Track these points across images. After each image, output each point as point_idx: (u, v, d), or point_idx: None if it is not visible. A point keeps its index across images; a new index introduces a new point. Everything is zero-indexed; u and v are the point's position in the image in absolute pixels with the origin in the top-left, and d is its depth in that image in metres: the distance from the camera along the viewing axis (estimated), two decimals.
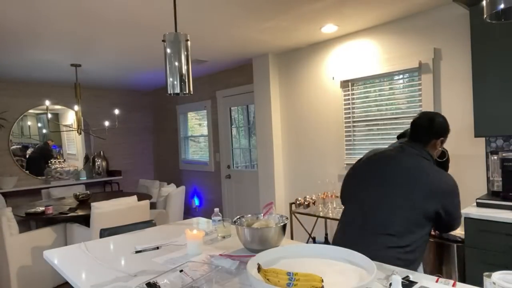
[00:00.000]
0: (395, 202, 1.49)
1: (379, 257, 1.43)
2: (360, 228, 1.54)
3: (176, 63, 1.73)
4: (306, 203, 3.35)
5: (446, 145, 2.82)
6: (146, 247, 1.79)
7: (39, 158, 5.54)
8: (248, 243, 1.63)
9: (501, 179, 2.44)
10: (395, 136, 3.22)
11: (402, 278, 1.23)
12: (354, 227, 1.57)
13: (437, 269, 2.50)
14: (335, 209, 3.50)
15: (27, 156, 5.42)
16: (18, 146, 5.35)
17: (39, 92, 5.55)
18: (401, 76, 3.23)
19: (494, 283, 0.98)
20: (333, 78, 3.71)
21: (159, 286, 1.25)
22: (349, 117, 3.62)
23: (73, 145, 5.94)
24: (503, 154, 2.41)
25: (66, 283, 3.45)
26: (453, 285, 1.19)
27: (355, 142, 3.61)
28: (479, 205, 2.37)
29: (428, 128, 1.64)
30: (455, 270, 2.42)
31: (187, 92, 1.76)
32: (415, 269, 1.48)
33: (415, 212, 1.46)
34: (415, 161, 1.56)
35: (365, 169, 1.67)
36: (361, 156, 1.78)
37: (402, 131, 2.89)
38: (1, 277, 3.21)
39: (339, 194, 3.72)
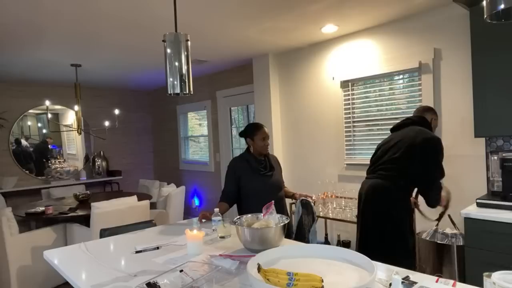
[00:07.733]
0: None
1: None
2: None
3: (176, 63, 1.73)
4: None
5: (445, 144, 2.82)
6: (146, 247, 1.79)
7: (38, 156, 5.55)
8: (248, 243, 1.63)
9: (501, 179, 2.44)
10: None
11: (402, 278, 1.23)
12: None
13: (437, 269, 2.50)
14: (335, 209, 3.50)
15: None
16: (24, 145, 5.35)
17: (39, 92, 5.55)
18: (401, 76, 3.23)
19: (494, 283, 0.98)
20: (333, 78, 3.71)
21: (159, 286, 1.25)
22: (349, 117, 3.62)
23: (73, 145, 5.93)
24: (503, 154, 2.41)
25: (66, 283, 3.45)
26: (453, 285, 1.19)
27: (355, 142, 3.61)
28: (479, 205, 2.37)
29: (243, 132, 2.52)
30: (455, 270, 2.42)
31: (187, 92, 1.76)
32: None
33: None
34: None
35: None
36: None
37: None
38: (1, 277, 3.21)
39: (339, 194, 3.74)
